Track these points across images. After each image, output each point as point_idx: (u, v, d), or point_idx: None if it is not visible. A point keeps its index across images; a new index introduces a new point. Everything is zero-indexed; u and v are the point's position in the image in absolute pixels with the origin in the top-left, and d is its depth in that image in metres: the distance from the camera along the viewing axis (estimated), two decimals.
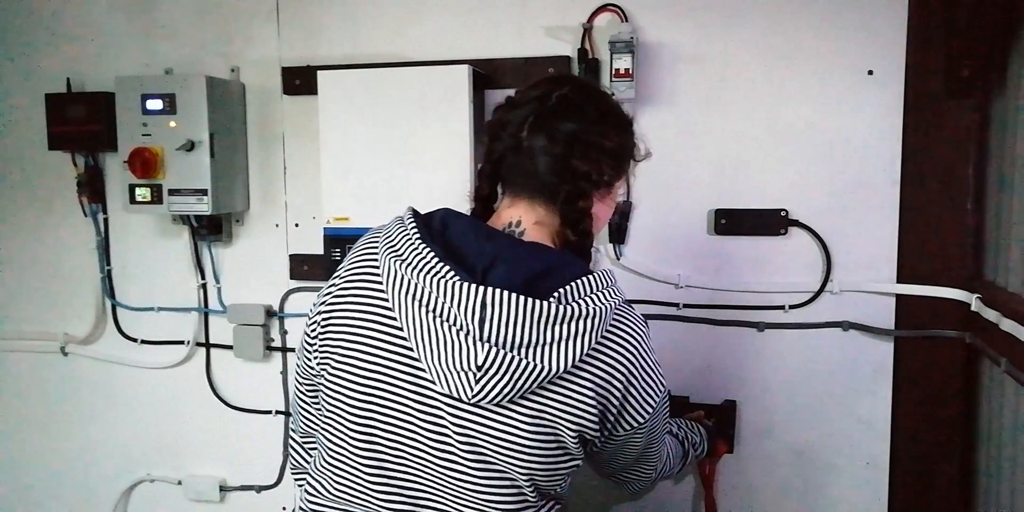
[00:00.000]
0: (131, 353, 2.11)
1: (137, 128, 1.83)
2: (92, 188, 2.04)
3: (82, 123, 1.95)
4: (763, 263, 1.70)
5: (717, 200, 1.71)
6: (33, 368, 2.19)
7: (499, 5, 1.78)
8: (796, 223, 1.67)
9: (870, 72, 1.61)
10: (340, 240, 1.73)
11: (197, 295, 2.03)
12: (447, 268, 0.91)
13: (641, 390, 0.99)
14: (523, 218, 1.01)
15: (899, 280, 1.63)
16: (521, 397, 0.93)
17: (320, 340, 1.02)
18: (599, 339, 0.94)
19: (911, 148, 1.60)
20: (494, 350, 0.89)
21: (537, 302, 0.89)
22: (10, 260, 2.18)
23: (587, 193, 0.99)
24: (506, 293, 0.89)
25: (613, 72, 1.63)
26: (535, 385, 0.91)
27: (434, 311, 0.91)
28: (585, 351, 0.92)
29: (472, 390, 0.90)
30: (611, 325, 0.96)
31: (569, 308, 0.90)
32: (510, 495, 0.97)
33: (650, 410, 1.01)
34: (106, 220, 2.08)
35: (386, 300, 0.95)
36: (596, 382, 0.95)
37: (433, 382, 0.93)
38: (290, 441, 1.23)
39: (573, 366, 0.92)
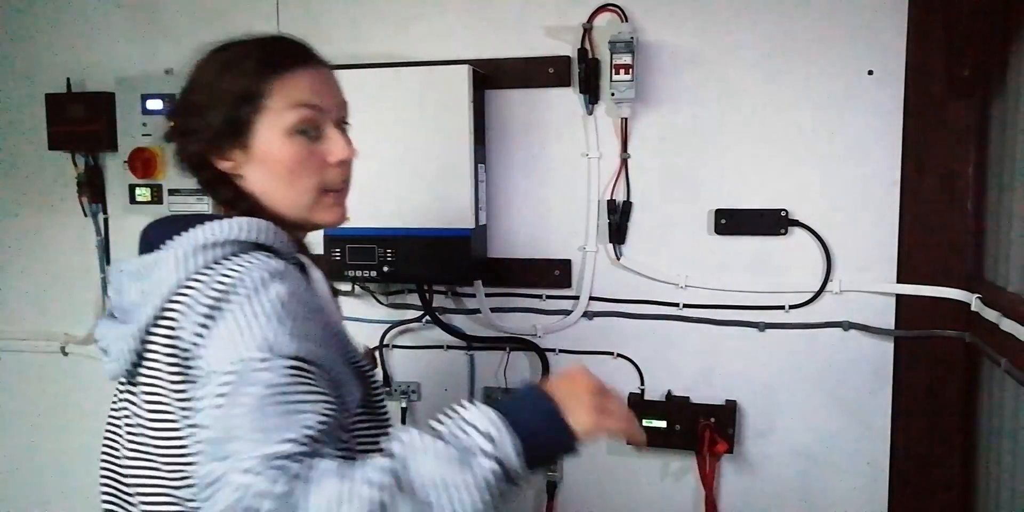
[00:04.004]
0: None
1: (137, 128, 1.83)
2: (92, 188, 2.04)
3: (82, 123, 1.95)
4: (763, 263, 1.70)
5: (717, 200, 1.71)
6: (33, 368, 2.19)
7: (499, 5, 1.78)
8: (796, 223, 1.67)
9: (870, 72, 1.61)
10: (340, 240, 1.73)
11: None
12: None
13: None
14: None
15: (899, 280, 1.63)
16: None
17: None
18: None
19: (911, 148, 1.60)
20: None
21: None
22: (10, 260, 2.18)
23: (202, 163, 0.93)
24: None
25: (613, 72, 1.64)
26: None
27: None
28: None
29: None
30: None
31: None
32: None
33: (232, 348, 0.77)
34: (106, 220, 2.08)
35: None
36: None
37: None
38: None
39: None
